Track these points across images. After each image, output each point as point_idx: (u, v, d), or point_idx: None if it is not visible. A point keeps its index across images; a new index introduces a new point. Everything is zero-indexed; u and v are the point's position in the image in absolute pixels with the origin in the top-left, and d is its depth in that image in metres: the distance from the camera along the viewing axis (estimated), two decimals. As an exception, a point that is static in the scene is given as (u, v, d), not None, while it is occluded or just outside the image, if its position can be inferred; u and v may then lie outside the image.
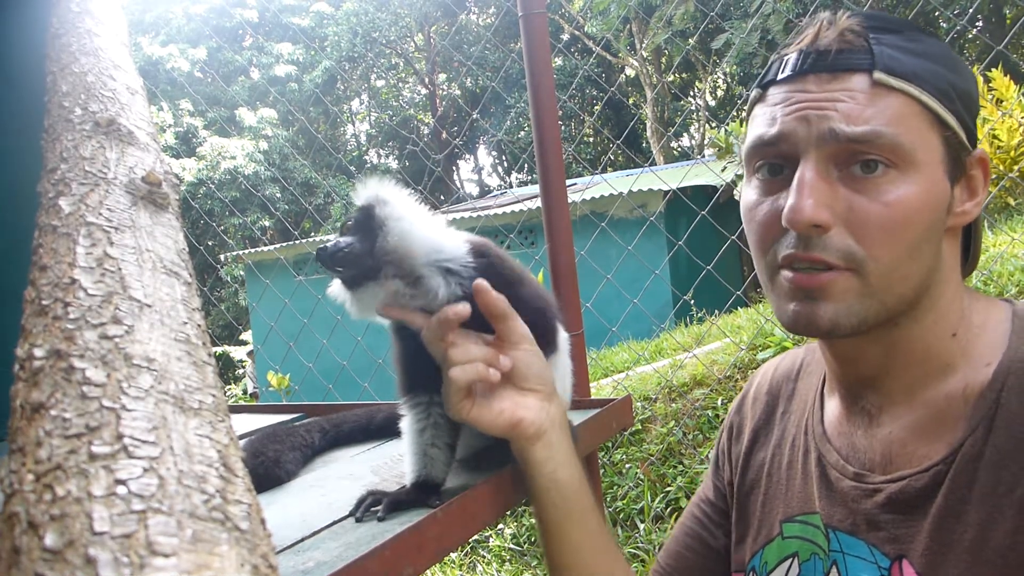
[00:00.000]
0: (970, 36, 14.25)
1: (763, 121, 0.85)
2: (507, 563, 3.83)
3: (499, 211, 10.60)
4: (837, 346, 0.91)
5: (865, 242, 0.79)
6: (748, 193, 0.89)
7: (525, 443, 0.93)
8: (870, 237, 0.79)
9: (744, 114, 1.04)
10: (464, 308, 0.89)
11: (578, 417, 1.23)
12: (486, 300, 0.92)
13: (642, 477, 3.74)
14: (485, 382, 0.91)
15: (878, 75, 0.78)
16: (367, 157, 24.92)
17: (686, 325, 6.29)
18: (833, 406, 0.96)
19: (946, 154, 0.81)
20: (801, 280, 0.82)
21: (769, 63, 0.88)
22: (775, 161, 0.84)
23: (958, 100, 0.81)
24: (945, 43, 0.85)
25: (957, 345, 0.85)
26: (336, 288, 0.96)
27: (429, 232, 0.95)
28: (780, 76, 0.84)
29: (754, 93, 0.89)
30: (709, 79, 20.08)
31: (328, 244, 0.93)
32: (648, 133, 18.36)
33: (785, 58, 0.84)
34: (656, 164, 13.64)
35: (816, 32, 0.82)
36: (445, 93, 23.90)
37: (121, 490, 0.37)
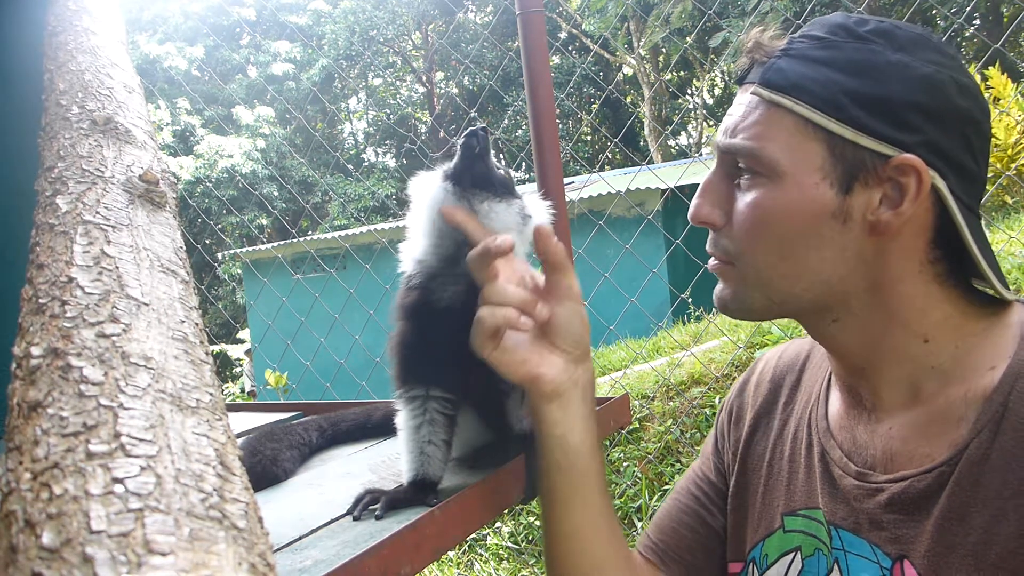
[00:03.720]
0: (967, 34, 14.26)
1: None
2: (505, 561, 3.83)
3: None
4: (815, 335, 0.93)
5: (737, 240, 0.88)
6: None
7: (540, 400, 0.91)
8: (739, 236, 0.88)
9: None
10: (507, 240, 0.84)
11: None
12: (546, 246, 0.90)
13: (640, 475, 3.74)
14: (514, 328, 0.87)
15: (755, 89, 0.85)
16: (364, 155, 24.89)
17: (684, 323, 6.27)
18: (836, 399, 0.97)
19: (831, 161, 0.81)
20: (709, 265, 0.95)
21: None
22: None
23: (861, 107, 0.79)
24: (876, 47, 0.80)
25: (939, 350, 0.84)
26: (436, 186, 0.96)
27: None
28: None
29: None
30: (707, 77, 20.08)
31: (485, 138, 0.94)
32: (646, 131, 18.37)
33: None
34: (654, 162, 13.60)
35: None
36: (443, 91, 23.87)
37: (118, 488, 0.37)
